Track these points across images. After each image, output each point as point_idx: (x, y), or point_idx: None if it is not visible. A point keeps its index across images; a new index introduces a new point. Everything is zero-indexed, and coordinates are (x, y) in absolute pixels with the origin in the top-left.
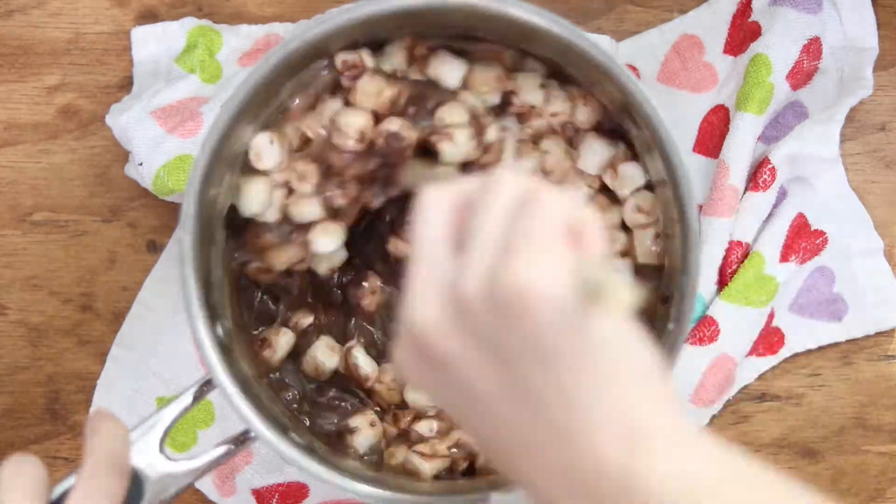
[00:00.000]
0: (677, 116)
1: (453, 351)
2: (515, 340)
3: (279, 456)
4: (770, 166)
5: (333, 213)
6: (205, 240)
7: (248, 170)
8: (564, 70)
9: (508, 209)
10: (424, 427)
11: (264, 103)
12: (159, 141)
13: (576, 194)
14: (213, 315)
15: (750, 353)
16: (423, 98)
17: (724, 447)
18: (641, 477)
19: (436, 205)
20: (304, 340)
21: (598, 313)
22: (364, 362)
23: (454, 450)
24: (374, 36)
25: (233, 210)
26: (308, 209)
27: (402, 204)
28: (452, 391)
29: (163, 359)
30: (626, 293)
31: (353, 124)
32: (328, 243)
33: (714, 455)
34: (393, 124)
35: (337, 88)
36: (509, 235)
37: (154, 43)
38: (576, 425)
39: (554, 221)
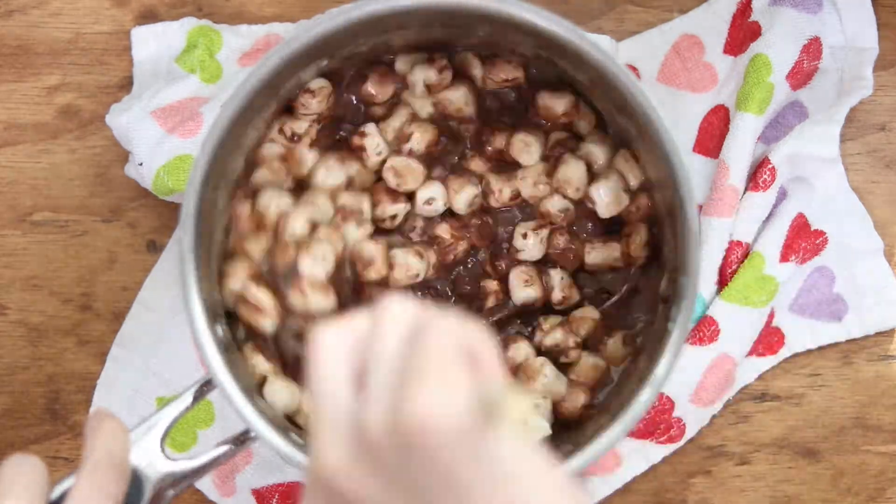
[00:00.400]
0: (677, 116)
1: (363, 493)
2: (422, 475)
3: (279, 456)
4: (770, 166)
5: None
6: (205, 240)
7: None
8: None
9: (402, 339)
10: None
11: (264, 103)
12: (159, 141)
13: (466, 318)
14: (213, 315)
15: (750, 353)
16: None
17: None
18: None
19: (331, 345)
20: None
21: (497, 434)
22: None
23: None
24: (373, 36)
25: None
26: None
27: None
28: None
29: (163, 359)
30: (520, 406)
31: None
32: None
33: None
34: None
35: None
36: (405, 367)
37: (154, 43)
38: None
39: (447, 347)
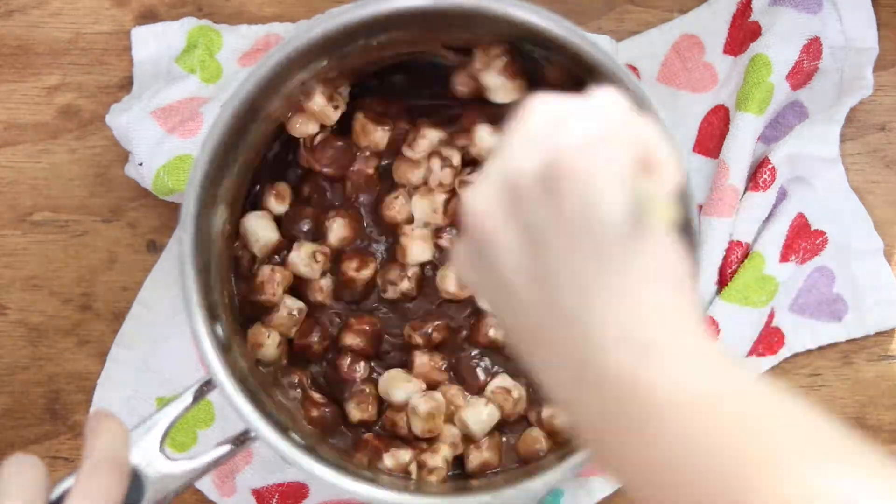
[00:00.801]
0: (677, 116)
1: (495, 231)
2: (553, 218)
3: (279, 456)
4: (770, 166)
5: None
6: (205, 240)
7: None
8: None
9: (600, 121)
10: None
11: (264, 103)
12: (159, 141)
13: (657, 132)
14: (213, 315)
15: (750, 353)
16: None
17: (734, 363)
18: (642, 386)
19: (537, 113)
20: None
21: (644, 224)
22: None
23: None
24: (373, 36)
25: None
26: None
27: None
28: (491, 278)
29: (163, 359)
30: (671, 211)
31: None
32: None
33: (720, 370)
34: None
35: None
36: (587, 133)
37: (154, 43)
38: (589, 319)
39: (635, 141)
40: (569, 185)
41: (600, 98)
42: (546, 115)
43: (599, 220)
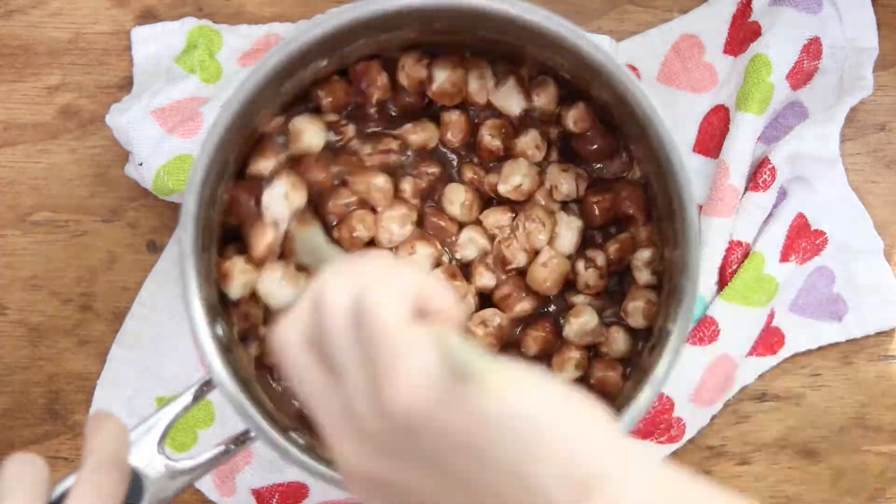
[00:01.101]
0: (677, 116)
1: (384, 473)
2: (433, 449)
3: (279, 456)
4: (770, 166)
5: None
6: (205, 240)
7: None
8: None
9: (349, 325)
10: None
11: (264, 103)
12: (159, 141)
13: (402, 266)
14: (212, 315)
15: (750, 354)
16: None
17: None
18: None
19: (291, 345)
20: None
21: (478, 391)
22: None
23: None
24: (373, 36)
25: None
26: None
27: None
28: (405, 500)
29: (163, 359)
30: (494, 370)
31: None
32: None
33: (659, 483)
34: None
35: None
36: (363, 353)
37: (154, 43)
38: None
39: (392, 318)
40: (412, 426)
41: (325, 292)
42: (297, 344)
43: (456, 431)
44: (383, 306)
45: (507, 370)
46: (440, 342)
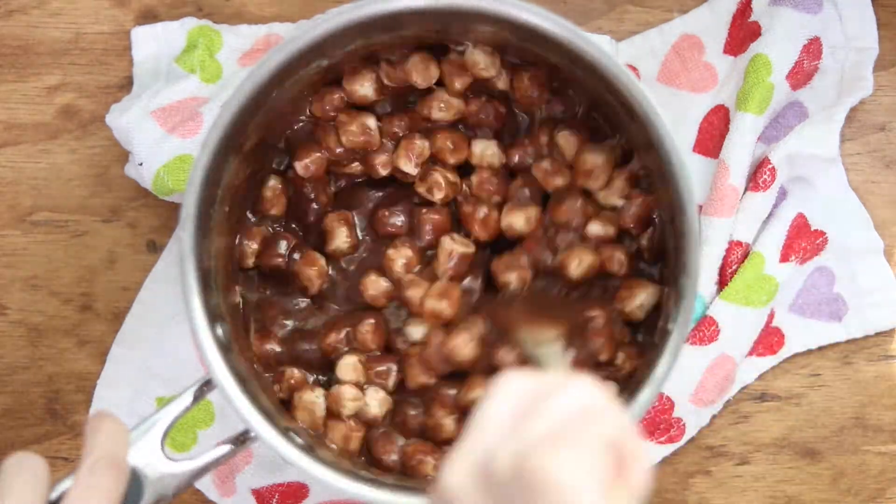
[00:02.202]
0: (677, 116)
1: None
2: None
3: (279, 456)
4: (770, 166)
5: None
6: (205, 240)
7: None
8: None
9: (569, 410)
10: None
11: (264, 103)
12: (159, 141)
13: (632, 422)
14: (212, 315)
15: (750, 353)
16: None
17: None
18: None
19: (512, 390)
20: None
21: None
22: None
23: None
24: (373, 36)
25: None
26: None
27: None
28: None
29: (163, 359)
30: None
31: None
32: None
33: None
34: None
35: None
36: (559, 429)
37: (154, 43)
38: None
39: (604, 436)
40: (540, 494)
41: (578, 383)
42: (520, 394)
43: None
44: (612, 422)
45: None
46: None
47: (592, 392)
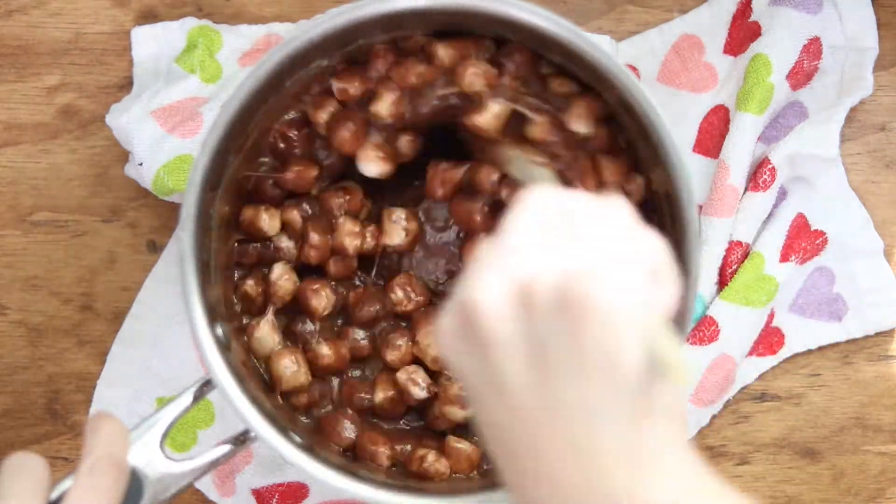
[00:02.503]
0: (677, 116)
1: (500, 335)
2: (567, 346)
3: (279, 456)
4: (770, 166)
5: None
6: (205, 240)
7: None
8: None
9: (610, 234)
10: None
11: (264, 103)
12: (159, 141)
13: (666, 246)
14: (212, 315)
15: (750, 353)
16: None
17: (727, 490)
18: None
19: (543, 201)
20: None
21: (659, 376)
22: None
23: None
24: (373, 36)
25: None
26: None
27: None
28: (482, 375)
29: (163, 359)
30: (685, 371)
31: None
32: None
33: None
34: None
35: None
36: (602, 252)
37: (154, 43)
38: (594, 446)
39: (646, 257)
40: (588, 320)
41: (607, 201)
42: (552, 207)
43: (617, 367)
44: (651, 244)
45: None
46: (648, 337)
47: (628, 215)
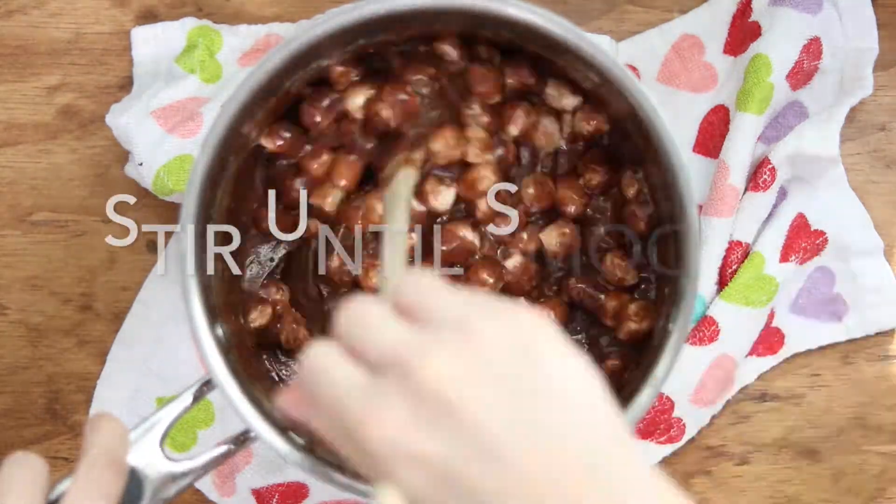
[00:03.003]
0: (677, 116)
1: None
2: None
3: (279, 456)
4: (770, 166)
5: None
6: (205, 240)
7: None
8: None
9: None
10: None
11: (264, 103)
12: (159, 141)
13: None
14: (212, 315)
15: (750, 354)
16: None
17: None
18: None
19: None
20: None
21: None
22: None
23: None
24: (373, 36)
25: None
26: None
27: None
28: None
29: (163, 359)
30: None
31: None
32: None
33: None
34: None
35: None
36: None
37: (154, 43)
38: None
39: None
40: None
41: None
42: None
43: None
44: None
45: None
46: None
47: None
